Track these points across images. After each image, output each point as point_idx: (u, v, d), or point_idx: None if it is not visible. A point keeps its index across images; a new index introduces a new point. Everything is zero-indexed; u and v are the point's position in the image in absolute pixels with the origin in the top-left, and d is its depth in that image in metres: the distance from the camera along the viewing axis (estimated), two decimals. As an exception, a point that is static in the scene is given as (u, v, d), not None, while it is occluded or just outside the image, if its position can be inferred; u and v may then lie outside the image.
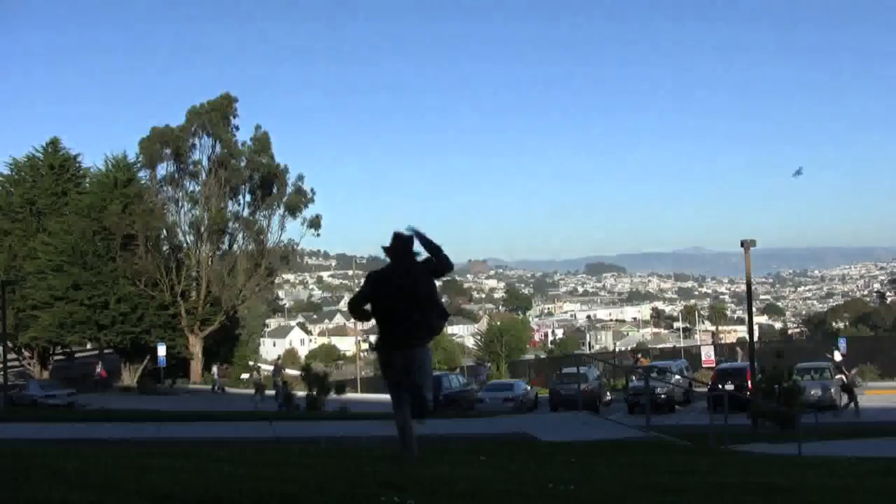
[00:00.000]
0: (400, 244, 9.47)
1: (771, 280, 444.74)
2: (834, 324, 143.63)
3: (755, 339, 44.81)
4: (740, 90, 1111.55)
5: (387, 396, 10.16)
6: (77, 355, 73.95)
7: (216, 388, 62.51)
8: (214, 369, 66.29)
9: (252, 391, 55.27)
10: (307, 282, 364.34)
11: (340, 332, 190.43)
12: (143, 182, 70.57)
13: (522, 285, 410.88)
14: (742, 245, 36.08)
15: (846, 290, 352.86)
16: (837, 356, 43.68)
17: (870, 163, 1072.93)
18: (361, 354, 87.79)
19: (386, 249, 9.54)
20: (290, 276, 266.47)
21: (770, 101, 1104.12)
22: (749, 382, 37.15)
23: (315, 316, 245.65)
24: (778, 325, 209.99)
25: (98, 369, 63.90)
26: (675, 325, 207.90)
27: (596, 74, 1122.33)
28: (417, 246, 9.46)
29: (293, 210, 72.48)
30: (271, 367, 67.43)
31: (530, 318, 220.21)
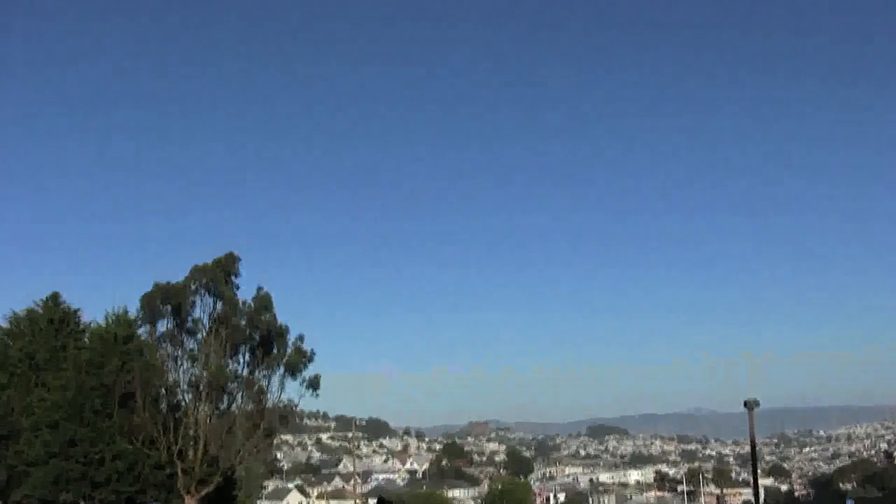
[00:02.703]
0: None
1: (776, 441, 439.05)
2: (842, 485, 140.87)
3: (761, 501, 43.92)
4: (739, 249, 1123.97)
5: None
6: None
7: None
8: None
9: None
10: (306, 443, 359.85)
11: (339, 495, 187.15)
12: (142, 338, 70.54)
13: (524, 448, 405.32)
14: (745, 405, 35.83)
15: (852, 450, 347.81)
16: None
17: (872, 320, 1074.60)
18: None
19: None
20: (289, 437, 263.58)
21: (769, 258, 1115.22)
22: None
23: (314, 478, 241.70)
24: (784, 487, 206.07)
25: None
26: (680, 487, 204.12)
27: (594, 229, 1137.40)
28: None
29: (293, 370, 72.05)
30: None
31: (532, 482, 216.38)
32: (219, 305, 70.46)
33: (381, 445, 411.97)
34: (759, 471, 41.10)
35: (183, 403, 71.00)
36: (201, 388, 69.04)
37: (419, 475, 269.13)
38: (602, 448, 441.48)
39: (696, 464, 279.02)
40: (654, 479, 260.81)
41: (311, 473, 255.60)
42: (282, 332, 72.01)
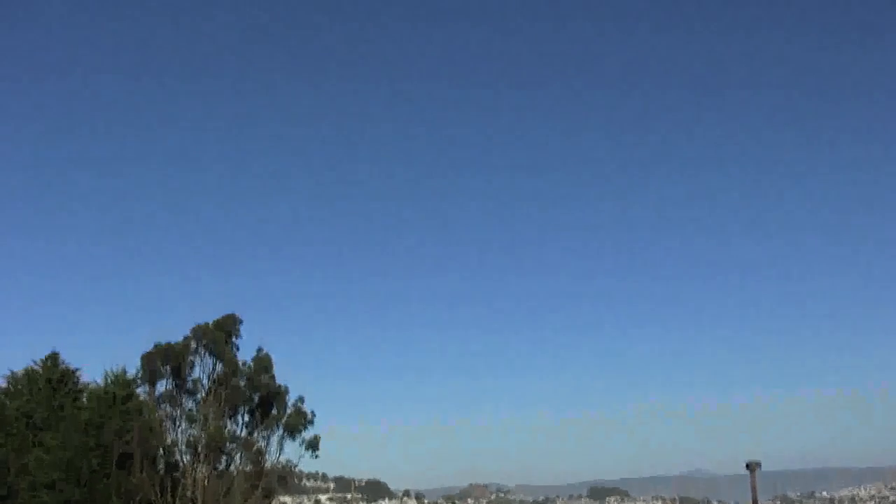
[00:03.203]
0: None
1: (778, 502, 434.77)
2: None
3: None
4: (739, 311, 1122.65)
5: None
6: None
7: None
8: None
9: None
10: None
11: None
12: (141, 398, 70.30)
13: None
14: (747, 467, 35.68)
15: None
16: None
17: (875, 380, 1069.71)
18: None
19: None
20: (288, 499, 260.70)
21: (767, 319, 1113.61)
22: None
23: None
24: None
25: None
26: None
27: (593, 295, 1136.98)
28: None
29: (292, 431, 72.22)
30: None
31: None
32: (219, 366, 70.71)
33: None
34: (761, 533, 40.67)
35: (181, 464, 70.66)
36: (200, 448, 68.84)
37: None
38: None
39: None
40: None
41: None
42: (281, 393, 72.21)
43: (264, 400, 71.98)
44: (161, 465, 70.57)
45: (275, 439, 72.55)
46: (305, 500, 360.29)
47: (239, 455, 71.65)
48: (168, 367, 69.35)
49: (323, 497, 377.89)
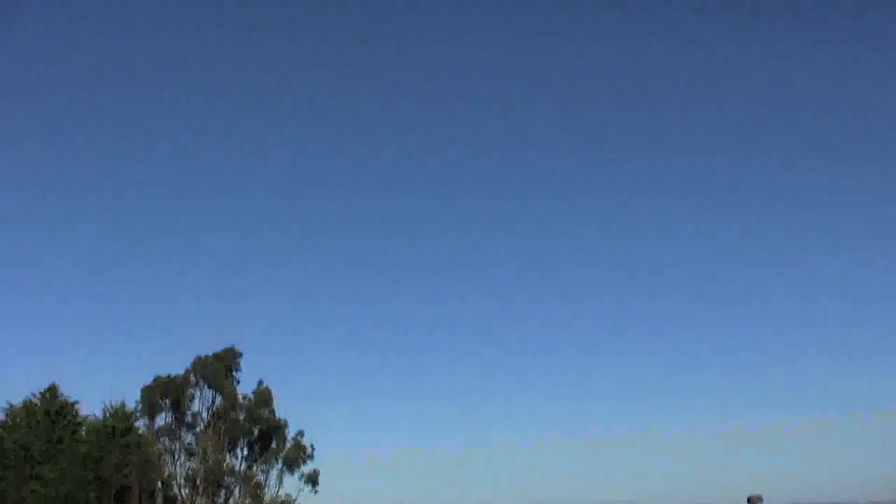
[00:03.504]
0: None
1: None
2: None
3: None
4: (743, 335, 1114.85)
5: None
6: None
7: None
8: None
9: None
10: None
11: None
12: (140, 431, 70.04)
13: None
14: (748, 501, 35.62)
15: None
16: None
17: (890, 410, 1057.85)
18: None
19: None
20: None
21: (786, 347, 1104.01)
22: None
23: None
24: None
25: None
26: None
27: (589, 318, 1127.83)
28: None
29: (291, 465, 71.91)
30: None
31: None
32: (218, 399, 70.58)
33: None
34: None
35: (179, 497, 70.18)
36: (198, 482, 68.43)
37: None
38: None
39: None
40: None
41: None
42: (281, 427, 71.98)
43: (264, 433, 71.79)
44: (160, 499, 70.12)
45: (274, 473, 72.28)
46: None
47: (238, 489, 71.25)
48: (168, 400, 69.26)
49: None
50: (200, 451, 69.21)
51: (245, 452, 72.24)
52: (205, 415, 70.63)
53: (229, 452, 71.42)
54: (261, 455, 71.83)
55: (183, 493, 70.12)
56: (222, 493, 70.70)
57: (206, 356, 71.85)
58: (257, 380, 74.71)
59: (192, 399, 70.53)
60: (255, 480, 71.47)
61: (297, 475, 72.24)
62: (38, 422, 70.12)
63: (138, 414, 70.12)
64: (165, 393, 69.02)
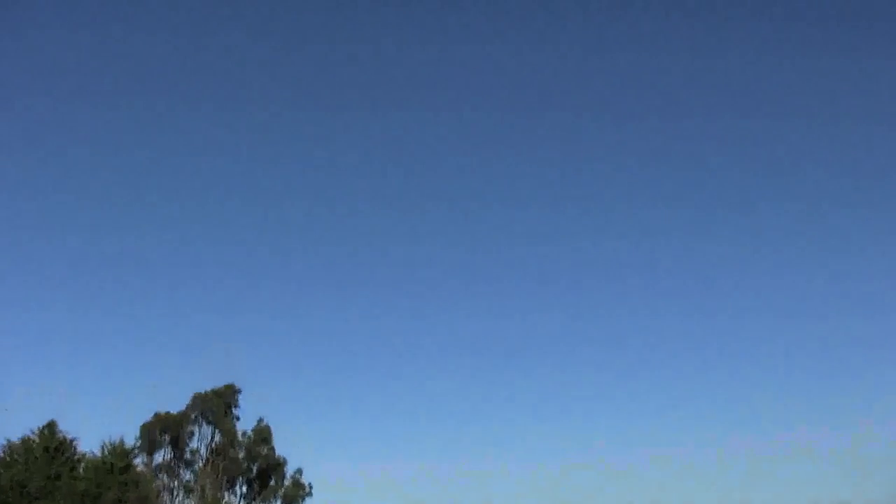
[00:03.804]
0: None
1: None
2: None
3: None
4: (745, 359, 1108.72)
5: None
6: None
7: None
8: None
9: None
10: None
11: None
12: (139, 468, 69.74)
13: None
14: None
15: None
16: None
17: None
18: None
19: None
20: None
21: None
22: None
23: None
24: None
25: None
26: None
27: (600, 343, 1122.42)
28: None
29: (291, 503, 71.80)
30: None
31: None
32: (217, 436, 70.46)
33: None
34: None
35: (178, 535, 69.88)
36: (197, 520, 68.17)
37: None
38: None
39: None
40: None
41: None
42: (280, 465, 71.92)
43: (263, 471, 71.67)
44: (158, 537, 69.83)
45: (272, 510, 72.00)
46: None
47: (236, 527, 71.03)
48: (167, 437, 69.13)
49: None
50: (199, 489, 68.98)
51: (244, 490, 72.08)
52: (204, 452, 70.51)
53: (228, 490, 71.21)
54: (259, 493, 71.62)
55: (181, 531, 69.93)
56: (220, 531, 70.54)
57: (206, 392, 71.93)
58: (258, 417, 74.81)
59: (191, 436, 70.37)
60: (253, 519, 71.31)
61: (296, 513, 72.10)
62: (37, 458, 69.67)
63: (137, 451, 69.86)
64: (164, 429, 68.93)
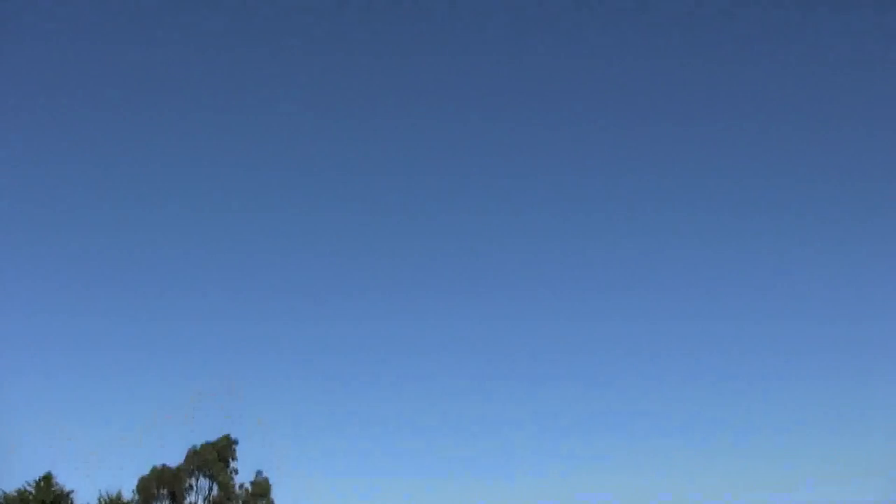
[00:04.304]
0: None
1: None
2: None
3: None
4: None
5: None
6: None
7: None
8: None
9: None
10: None
11: None
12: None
13: None
14: None
15: None
16: None
17: None
18: None
19: None
20: None
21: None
22: None
23: None
24: None
25: None
26: None
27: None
28: None
29: (290, 558, 71.43)
30: None
31: None
32: (215, 489, 70.10)
33: None
34: None
35: None
36: (194, 581, 67.78)
37: None
38: None
39: None
40: None
41: None
42: (278, 518, 71.42)
43: (262, 525, 71.32)
44: None
45: (271, 566, 71.66)
46: None
47: (235, 587, 70.64)
48: (164, 491, 68.84)
49: None
50: (197, 547, 68.71)
51: (242, 546, 71.74)
52: (202, 505, 70.25)
53: (225, 545, 70.94)
54: (258, 549, 71.31)
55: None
56: (219, 588, 70.16)
57: (204, 444, 71.77)
58: (256, 470, 74.45)
59: (189, 490, 70.13)
60: (251, 577, 70.92)
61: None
62: (33, 511, 69.37)
63: (135, 504, 69.67)
64: (161, 483, 68.63)
